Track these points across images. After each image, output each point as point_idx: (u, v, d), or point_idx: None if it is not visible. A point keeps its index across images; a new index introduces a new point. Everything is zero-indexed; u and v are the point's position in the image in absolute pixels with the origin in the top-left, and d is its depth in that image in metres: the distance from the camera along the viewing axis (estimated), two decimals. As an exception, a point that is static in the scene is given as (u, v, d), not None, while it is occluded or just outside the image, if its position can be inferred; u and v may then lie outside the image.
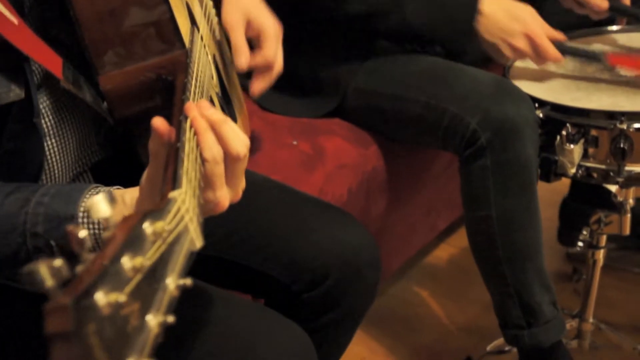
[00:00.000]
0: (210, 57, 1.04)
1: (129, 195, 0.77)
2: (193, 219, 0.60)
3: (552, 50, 1.40)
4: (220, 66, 1.14)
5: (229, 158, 0.74)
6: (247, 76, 1.49)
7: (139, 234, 0.51)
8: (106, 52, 0.84)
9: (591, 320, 1.58)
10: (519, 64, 1.51)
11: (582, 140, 1.32)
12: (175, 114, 0.75)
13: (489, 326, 1.69)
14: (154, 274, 0.51)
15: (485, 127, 1.35)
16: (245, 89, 1.50)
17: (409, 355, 1.66)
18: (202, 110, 0.74)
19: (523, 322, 1.42)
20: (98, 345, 0.42)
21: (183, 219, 0.58)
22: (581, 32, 1.58)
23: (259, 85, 1.12)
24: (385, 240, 1.65)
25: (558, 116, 1.33)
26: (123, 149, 0.94)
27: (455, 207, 1.87)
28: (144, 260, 0.49)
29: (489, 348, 1.61)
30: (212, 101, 0.97)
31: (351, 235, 1.09)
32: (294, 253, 1.05)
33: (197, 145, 0.72)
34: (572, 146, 1.31)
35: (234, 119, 1.17)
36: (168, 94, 0.83)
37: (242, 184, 0.78)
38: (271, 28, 1.11)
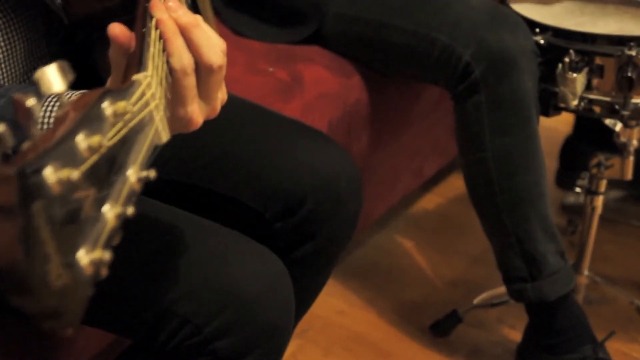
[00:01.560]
0: None
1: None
2: (159, 107, 0.57)
3: None
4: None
5: (202, 68, 0.69)
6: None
7: (97, 113, 0.47)
8: None
9: (586, 273, 1.57)
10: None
11: (586, 69, 1.30)
12: (139, 11, 0.70)
13: (476, 279, 1.70)
14: (113, 162, 0.47)
15: (479, 58, 1.31)
16: (217, 11, 1.45)
17: (390, 309, 1.65)
18: (170, 11, 0.69)
19: (526, 274, 1.39)
20: (45, 226, 0.40)
21: (148, 104, 0.55)
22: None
23: None
24: (367, 184, 1.62)
25: (560, 42, 1.31)
26: (80, 61, 0.90)
27: (443, 153, 1.86)
28: (102, 139, 0.45)
29: (476, 301, 1.60)
30: None
31: (330, 159, 1.05)
32: (266, 177, 1.02)
33: (164, 51, 0.67)
34: (574, 75, 1.29)
35: None
36: None
37: (220, 96, 0.74)
38: None
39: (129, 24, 0.70)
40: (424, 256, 1.79)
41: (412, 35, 1.38)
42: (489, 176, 1.36)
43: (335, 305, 1.65)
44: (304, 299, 1.10)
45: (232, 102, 1.08)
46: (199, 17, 0.71)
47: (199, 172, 1.03)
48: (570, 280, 1.41)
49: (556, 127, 1.51)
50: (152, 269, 0.89)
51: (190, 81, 0.68)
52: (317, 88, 1.43)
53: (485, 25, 1.33)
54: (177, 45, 0.68)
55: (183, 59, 0.68)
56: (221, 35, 1.40)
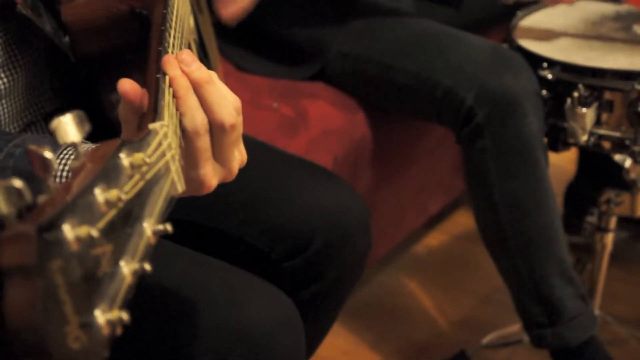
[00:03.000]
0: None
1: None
2: (175, 157, 0.56)
3: None
4: (197, 11, 1.09)
5: (215, 127, 0.67)
6: (219, 34, 1.45)
7: (114, 165, 0.46)
8: None
9: (597, 312, 1.56)
10: (524, 23, 1.48)
11: (595, 104, 1.29)
12: (151, 55, 0.69)
13: (484, 319, 1.68)
14: (130, 215, 0.46)
15: (481, 102, 1.32)
16: (221, 47, 1.45)
17: (396, 350, 1.63)
18: (183, 64, 0.67)
19: (545, 320, 1.37)
20: (63, 286, 0.38)
21: (164, 155, 0.54)
22: None
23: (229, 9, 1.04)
24: (371, 221, 1.62)
25: (569, 77, 1.31)
26: (83, 97, 0.89)
27: (448, 190, 1.85)
28: (121, 193, 0.44)
29: (484, 342, 1.58)
30: (189, 47, 0.92)
31: (338, 197, 1.04)
32: (273, 216, 1.01)
33: (177, 110, 0.65)
34: (584, 110, 1.28)
35: None
36: (141, 31, 0.78)
37: (237, 158, 0.70)
38: None
39: (136, 64, 0.69)
40: (430, 295, 1.77)
41: (415, 76, 1.39)
42: (499, 221, 1.35)
43: (340, 346, 1.63)
44: (312, 341, 1.08)
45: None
46: (212, 74, 0.69)
47: (203, 211, 1.01)
48: (593, 324, 1.39)
49: (561, 164, 1.50)
50: (158, 309, 0.88)
51: (203, 142, 0.65)
52: (322, 124, 1.42)
53: (487, 68, 1.33)
54: (190, 104, 0.65)
55: (196, 119, 0.65)
56: (224, 70, 1.41)
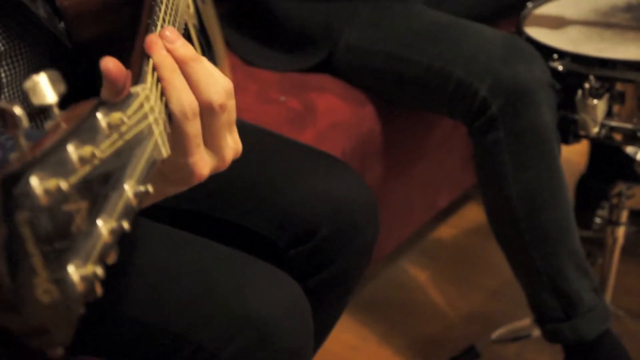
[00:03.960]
0: None
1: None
2: (159, 121, 0.53)
3: None
4: (198, 0, 1.06)
5: (203, 108, 0.62)
6: (226, 25, 1.42)
7: (90, 124, 0.44)
8: None
9: (609, 306, 1.52)
10: (534, 13, 1.44)
11: (606, 96, 1.26)
12: (141, 27, 0.66)
13: (494, 313, 1.64)
14: (109, 175, 0.44)
15: (495, 93, 1.28)
16: (227, 40, 1.42)
17: (405, 345, 1.59)
18: (166, 41, 0.62)
19: (561, 314, 1.33)
20: (30, 238, 0.36)
21: (147, 117, 0.51)
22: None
23: None
24: (380, 215, 1.59)
25: (579, 69, 1.27)
26: (86, 87, 0.86)
27: (457, 184, 1.82)
28: (95, 149, 0.41)
29: (494, 336, 1.55)
30: (187, 31, 0.89)
31: (346, 184, 1.01)
32: (279, 203, 0.98)
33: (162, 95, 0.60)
34: (595, 101, 1.25)
35: (214, 62, 1.09)
36: (136, 13, 0.74)
37: (231, 145, 0.65)
38: None
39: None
40: (439, 290, 1.74)
41: (427, 68, 1.35)
42: (514, 214, 1.32)
43: (348, 340, 1.60)
44: (320, 331, 1.05)
45: (243, 128, 1.04)
46: (200, 56, 0.64)
47: (208, 200, 0.99)
48: (607, 316, 1.35)
49: (571, 158, 1.47)
50: (166, 294, 0.85)
51: (193, 127, 0.60)
52: (329, 117, 1.39)
53: (500, 58, 1.30)
54: (176, 84, 0.60)
55: (183, 100, 0.60)
56: (232, 65, 1.38)
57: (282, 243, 0.99)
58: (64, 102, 0.83)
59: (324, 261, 1.00)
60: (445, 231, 1.92)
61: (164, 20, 0.70)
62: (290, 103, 1.40)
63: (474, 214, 1.92)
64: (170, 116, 0.59)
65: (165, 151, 0.54)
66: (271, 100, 1.40)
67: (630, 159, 1.36)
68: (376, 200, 1.05)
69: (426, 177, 1.70)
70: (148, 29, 0.65)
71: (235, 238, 0.99)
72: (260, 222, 0.98)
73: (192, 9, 0.98)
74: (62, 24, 0.82)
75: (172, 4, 0.76)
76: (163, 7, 0.71)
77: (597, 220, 1.54)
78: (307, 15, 1.44)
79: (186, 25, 0.89)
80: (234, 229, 0.99)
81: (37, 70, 0.84)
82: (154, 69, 0.60)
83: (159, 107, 0.55)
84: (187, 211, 0.99)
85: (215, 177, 1.01)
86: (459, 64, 1.32)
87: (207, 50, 1.07)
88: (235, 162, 1.02)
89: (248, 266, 0.89)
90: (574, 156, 1.81)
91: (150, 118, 0.52)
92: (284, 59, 1.47)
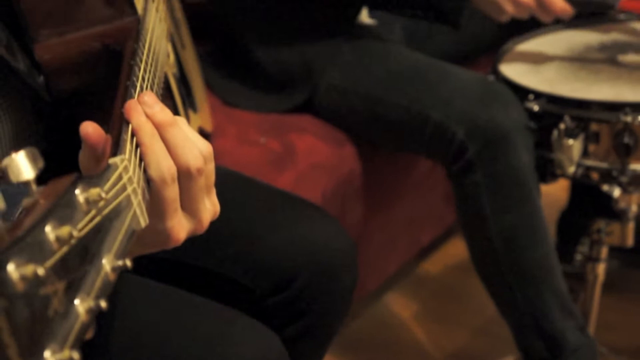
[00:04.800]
0: (166, 33, 0.99)
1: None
2: (137, 191, 0.55)
3: (560, 3, 1.36)
4: (178, 47, 1.09)
5: (180, 173, 0.63)
6: (206, 67, 1.45)
7: (68, 201, 0.46)
8: (44, 17, 0.79)
9: (591, 342, 1.54)
10: (510, 53, 1.48)
11: (582, 135, 1.29)
12: (120, 85, 0.69)
13: (479, 351, 1.66)
14: (86, 251, 0.46)
15: (472, 137, 1.32)
16: (208, 82, 1.45)
17: (389, 385, 1.61)
18: (145, 106, 0.64)
19: (547, 354, 1.36)
20: (7, 328, 0.37)
21: (125, 189, 0.53)
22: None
23: None
24: (362, 254, 1.60)
25: (555, 109, 1.31)
26: (66, 141, 0.88)
27: (439, 221, 1.85)
28: (72, 230, 0.43)
29: (478, 374, 1.57)
30: (167, 81, 0.92)
31: (323, 231, 1.04)
32: (257, 252, 1.00)
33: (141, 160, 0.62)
34: (571, 141, 1.28)
35: (194, 108, 1.12)
36: (115, 68, 0.77)
37: (209, 208, 0.67)
38: None
39: (112, 102, 0.68)
40: (423, 328, 1.76)
41: (406, 110, 1.39)
42: (495, 255, 1.36)
43: (332, 380, 1.61)
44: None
45: (221, 174, 1.06)
46: (178, 118, 0.66)
47: (186, 248, 1.00)
48: (594, 355, 1.38)
49: (553, 193, 1.50)
50: (141, 348, 0.86)
51: (171, 192, 0.62)
52: (309, 158, 1.42)
53: (477, 102, 1.34)
54: (155, 150, 0.62)
55: (162, 165, 0.61)
56: (212, 106, 1.41)
57: (261, 291, 1.01)
58: (45, 158, 0.85)
59: (302, 309, 1.02)
60: (429, 268, 1.95)
61: (143, 79, 0.72)
62: (270, 144, 1.43)
63: (457, 250, 1.94)
64: (148, 181, 0.61)
65: (143, 220, 0.55)
66: (251, 142, 1.43)
67: (608, 197, 1.40)
68: (355, 247, 1.07)
69: (408, 214, 1.73)
70: (127, 92, 0.67)
71: (214, 286, 1.01)
72: (238, 270, 1.00)
73: (172, 57, 1.01)
74: (41, 78, 0.84)
75: (152, 59, 0.79)
76: (142, 66, 0.74)
77: (578, 256, 1.57)
78: (288, 57, 1.47)
79: (166, 76, 0.92)
80: (212, 277, 1.01)
81: (21, 125, 0.86)
82: (133, 135, 0.62)
83: (137, 176, 0.57)
84: (164, 259, 1.00)
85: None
86: (436, 107, 1.36)
87: (187, 97, 1.10)
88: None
89: (226, 317, 0.90)
90: (555, 191, 1.84)
91: (129, 189, 0.54)
92: (264, 100, 1.50)
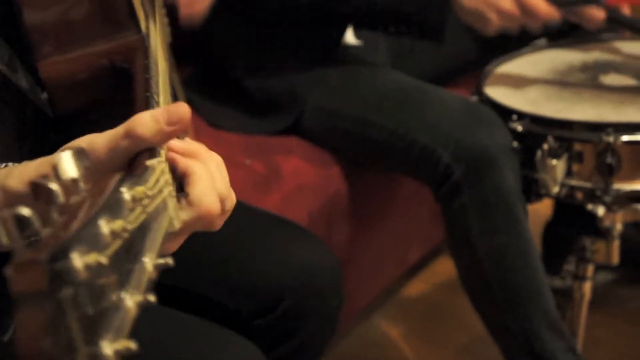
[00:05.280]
0: (164, 52, 1.05)
1: (100, 141, 0.65)
2: (173, 194, 0.60)
3: (544, 6, 1.40)
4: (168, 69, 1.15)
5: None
6: (191, 89, 1.51)
7: (116, 198, 0.49)
8: (47, 35, 0.82)
9: (578, 361, 1.59)
10: (494, 73, 1.55)
11: (565, 155, 1.35)
12: (137, 98, 0.72)
13: (466, 370, 1.72)
14: (131, 249, 0.49)
15: (458, 160, 1.38)
16: (193, 104, 1.52)
17: (378, 405, 1.65)
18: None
19: None
20: (73, 314, 0.41)
21: (162, 191, 0.57)
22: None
23: None
24: (350, 273, 1.65)
25: (538, 129, 1.37)
26: None
27: (427, 239, 1.90)
28: (125, 223, 0.47)
29: (466, 394, 1.61)
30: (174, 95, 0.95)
31: (309, 253, 1.08)
32: (242, 274, 1.04)
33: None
34: (554, 161, 1.34)
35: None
36: (122, 85, 0.82)
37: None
38: None
39: (117, 119, 0.73)
40: (411, 346, 1.81)
41: (392, 133, 1.45)
42: (485, 278, 1.40)
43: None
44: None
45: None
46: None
47: (172, 271, 1.05)
48: None
49: (539, 207, 1.55)
50: None
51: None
52: (295, 180, 1.48)
53: (462, 125, 1.40)
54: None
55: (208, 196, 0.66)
56: (197, 128, 1.46)
57: (247, 314, 1.05)
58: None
59: (288, 331, 1.06)
60: (417, 286, 1.99)
61: (159, 94, 0.76)
62: (256, 166, 1.48)
63: (445, 268, 1.97)
64: (181, 185, 0.66)
65: (177, 223, 0.60)
66: (236, 164, 1.47)
67: (593, 215, 1.46)
68: (340, 268, 1.12)
69: (396, 233, 1.78)
70: (149, 102, 0.71)
71: (201, 309, 1.05)
72: (225, 293, 1.05)
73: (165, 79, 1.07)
74: (45, 94, 0.87)
75: (161, 76, 0.83)
76: (155, 80, 0.77)
77: (564, 274, 1.62)
78: (274, 83, 1.54)
79: (173, 89, 0.97)
80: (198, 300, 1.05)
81: (22, 137, 0.90)
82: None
83: (169, 182, 0.61)
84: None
85: (180, 248, 1.09)
86: (422, 130, 1.41)
87: None
88: (201, 234, 1.10)
89: (213, 334, 0.94)
90: (540, 207, 1.90)
91: (165, 192, 0.58)
92: (250, 122, 1.56)
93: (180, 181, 0.67)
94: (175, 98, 1.15)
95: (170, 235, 0.58)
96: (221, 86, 1.59)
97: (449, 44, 1.49)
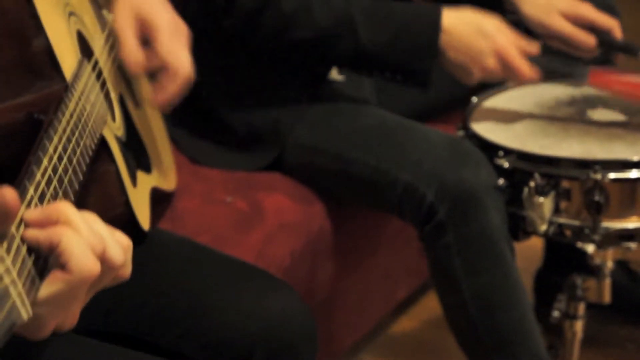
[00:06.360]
0: (114, 94, 1.01)
1: None
2: (16, 281, 0.56)
3: (526, 69, 1.40)
4: (132, 107, 1.11)
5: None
6: (172, 124, 1.47)
7: None
8: None
9: (572, 400, 1.56)
10: (479, 108, 1.52)
11: (552, 193, 1.33)
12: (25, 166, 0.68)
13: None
14: None
15: (442, 199, 1.36)
16: (174, 140, 1.48)
17: None
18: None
19: None
20: None
21: (2, 279, 0.53)
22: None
23: (161, 95, 1.02)
24: (336, 312, 1.63)
25: (525, 166, 1.35)
26: None
27: (415, 275, 1.87)
28: None
29: None
30: (106, 144, 0.92)
31: (280, 304, 1.05)
32: (212, 327, 1.02)
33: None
34: (541, 199, 1.31)
35: (147, 169, 1.13)
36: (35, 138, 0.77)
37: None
38: (163, 20, 1.02)
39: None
40: (400, 386, 1.78)
41: (375, 170, 1.43)
42: (470, 319, 1.39)
43: None
44: None
45: (176, 246, 1.09)
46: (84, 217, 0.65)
47: (140, 324, 1.03)
48: None
49: (529, 244, 1.52)
50: None
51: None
52: (278, 217, 1.45)
53: (446, 163, 1.38)
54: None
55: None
56: (178, 164, 1.43)
57: None
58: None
59: None
60: (406, 323, 1.97)
61: (64, 131, 0.73)
62: (237, 204, 1.46)
63: (434, 303, 1.95)
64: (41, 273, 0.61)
65: (25, 313, 0.56)
66: (217, 202, 1.45)
67: (583, 253, 1.42)
68: (313, 319, 1.09)
69: (383, 269, 1.76)
70: (29, 169, 0.66)
71: None
72: (195, 347, 1.02)
73: (119, 121, 1.02)
74: None
75: (78, 127, 0.79)
76: (57, 137, 0.73)
77: (555, 313, 1.58)
78: (256, 118, 1.51)
79: (104, 140, 0.92)
80: (168, 355, 1.02)
81: None
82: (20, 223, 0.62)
83: (18, 265, 0.57)
84: (120, 335, 1.02)
85: (148, 301, 1.04)
86: (405, 168, 1.39)
87: (138, 158, 1.10)
88: (170, 287, 1.06)
89: None
90: (531, 243, 1.87)
91: (7, 280, 0.54)
92: (231, 159, 1.53)
93: (48, 255, 0.63)
94: (137, 140, 1.10)
95: (14, 326, 0.54)
96: (204, 121, 1.57)
97: (435, 80, 1.47)
